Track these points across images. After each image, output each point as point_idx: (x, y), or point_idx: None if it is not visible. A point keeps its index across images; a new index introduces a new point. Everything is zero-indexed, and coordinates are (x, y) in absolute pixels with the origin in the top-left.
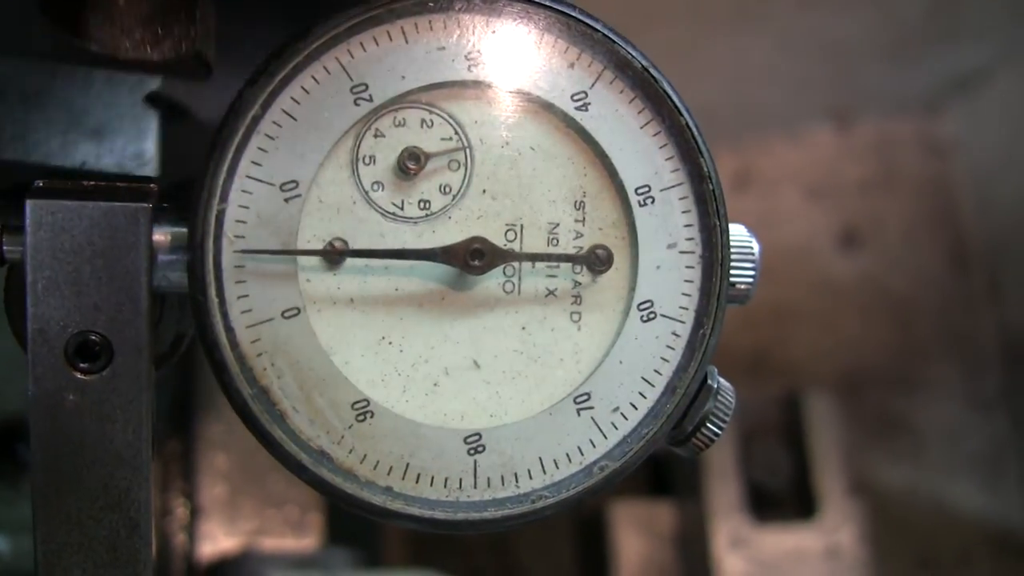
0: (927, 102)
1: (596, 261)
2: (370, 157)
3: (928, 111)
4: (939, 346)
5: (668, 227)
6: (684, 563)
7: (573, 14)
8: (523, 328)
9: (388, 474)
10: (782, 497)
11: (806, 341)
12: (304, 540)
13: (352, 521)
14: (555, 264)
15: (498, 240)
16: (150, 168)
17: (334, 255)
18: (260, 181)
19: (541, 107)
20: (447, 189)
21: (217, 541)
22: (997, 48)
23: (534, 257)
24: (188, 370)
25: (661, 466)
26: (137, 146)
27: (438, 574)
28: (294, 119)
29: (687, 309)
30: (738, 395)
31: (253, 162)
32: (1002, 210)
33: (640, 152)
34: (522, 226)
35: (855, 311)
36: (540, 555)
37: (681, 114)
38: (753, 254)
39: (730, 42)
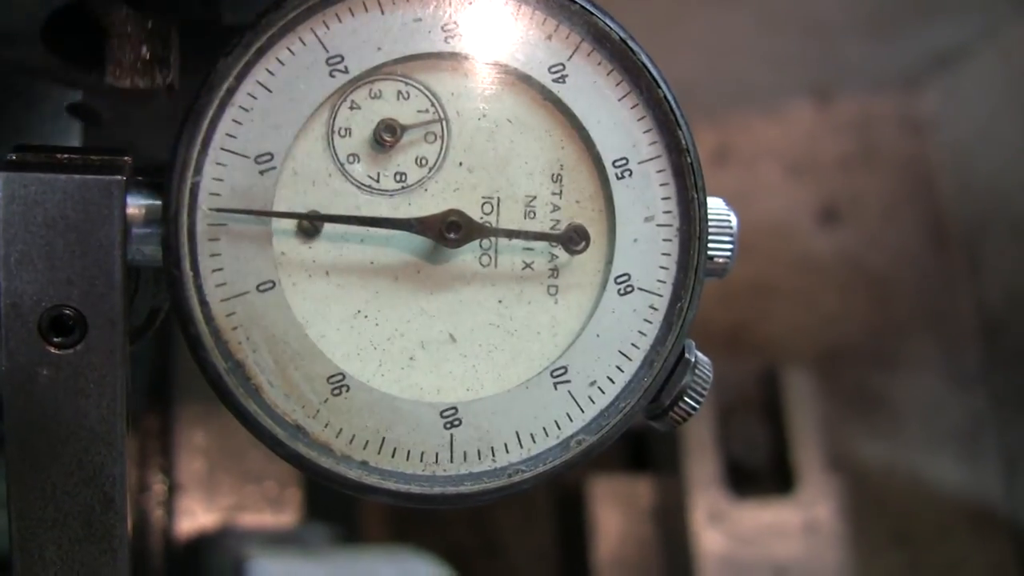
0: (907, 79)
1: (573, 240)
2: (346, 129)
3: (908, 88)
4: (917, 322)
5: (645, 200)
6: (663, 538)
7: None
8: (500, 301)
9: (364, 448)
10: (760, 472)
11: (785, 317)
12: (282, 516)
13: (331, 497)
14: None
15: (475, 213)
16: None
17: (309, 221)
18: (235, 153)
19: (518, 79)
20: (423, 161)
21: (195, 517)
22: (977, 25)
23: (510, 233)
24: (166, 346)
25: (640, 441)
26: None
27: (417, 550)
28: (269, 91)
29: (664, 282)
30: (716, 371)
31: (228, 134)
32: (981, 187)
33: (618, 124)
34: (499, 199)
35: (834, 287)
36: (520, 530)
37: (659, 86)
38: (731, 228)
39: (710, 17)
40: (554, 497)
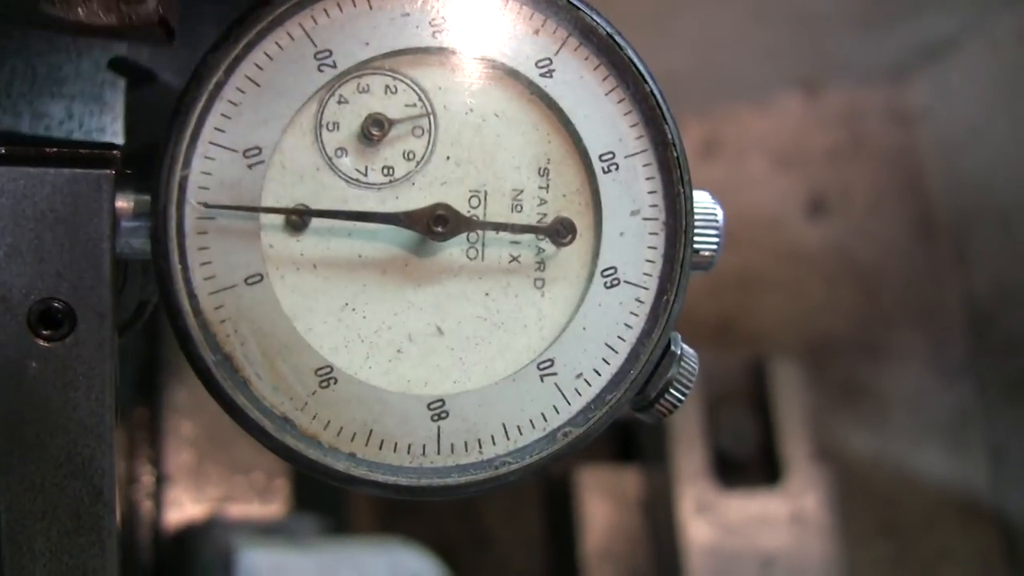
0: (895, 71)
1: (560, 232)
2: (334, 123)
3: (896, 80)
4: (905, 314)
5: (632, 194)
6: (650, 528)
7: None
8: (487, 294)
9: (352, 440)
10: (748, 463)
11: (773, 308)
12: (270, 507)
13: (319, 488)
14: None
15: (462, 206)
16: (115, 133)
17: (297, 215)
18: (223, 147)
19: (505, 74)
20: (411, 155)
21: (184, 508)
22: (965, 17)
23: (497, 226)
24: (154, 337)
25: (628, 432)
26: (103, 114)
27: (405, 541)
28: (257, 85)
29: (651, 275)
30: (704, 362)
31: (216, 128)
32: (969, 179)
33: (604, 119)
34: (486, 192)
35: (822, 279)
36: (508, 521)
37: (646, 81)
38: (717, 221)
39: (699, 10)
40: (542, 488)
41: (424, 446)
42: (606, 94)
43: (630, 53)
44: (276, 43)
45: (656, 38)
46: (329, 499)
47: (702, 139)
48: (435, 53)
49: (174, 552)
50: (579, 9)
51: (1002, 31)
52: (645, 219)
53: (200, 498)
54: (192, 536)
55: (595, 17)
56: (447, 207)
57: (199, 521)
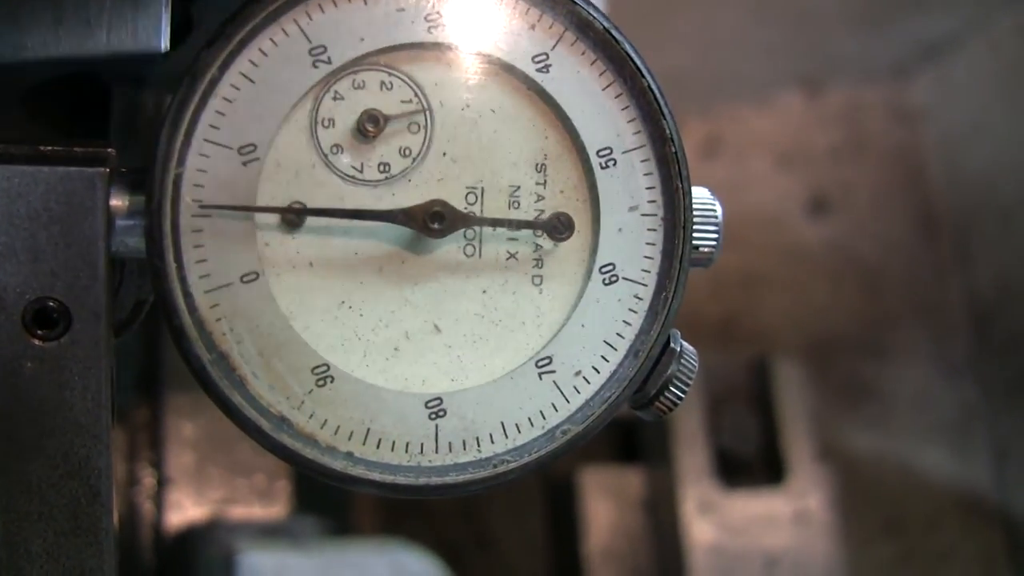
0: (897, 69)
1: (558, 228)
2: (329, 120)
3: (898, 78)
4: (908, 313)
5: (630, 189)
6: (653, 529)
7: None
8: (484, 292)
9: (349, 439)
10: (751, 463)
11: (775, 308)
12: (272, 508)
13: (320, 489)
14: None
15: (458, 203)
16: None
17: (293, 213)
18: (218, 144)
19: (502, 69)
20: (407, 152)
21: (185, 510)
22: (966, 15)
23: (495, 222)
24: (154, 339)
25: (630, 432)
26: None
27: (407, 542)
28: (252, 82)
29: (649, 272)
30: (706, 362)
31: (211, 125)
32: (971, 177)
33: (602, 114)
34: (483, 189)
35: (824, 278)
36: (510, 522)
37: (643, 76)
38: (716, 217)
39: (700, 9)
40: (544, 488)
41: (422, 444)
42: (603, 89)
43: (627, 48)
44: (270, 39)
45: (656, 37)
46: (331, 501)
47: (703, 138)
48: (431, 48)
49: (175, 554)
50: (575, 3)
51: (1003, 30)
52: (643, 215)
53: (201, 500)
54: (193, 538)
55: (591, 12)
56: (443, 204)
57: (200, 523)
